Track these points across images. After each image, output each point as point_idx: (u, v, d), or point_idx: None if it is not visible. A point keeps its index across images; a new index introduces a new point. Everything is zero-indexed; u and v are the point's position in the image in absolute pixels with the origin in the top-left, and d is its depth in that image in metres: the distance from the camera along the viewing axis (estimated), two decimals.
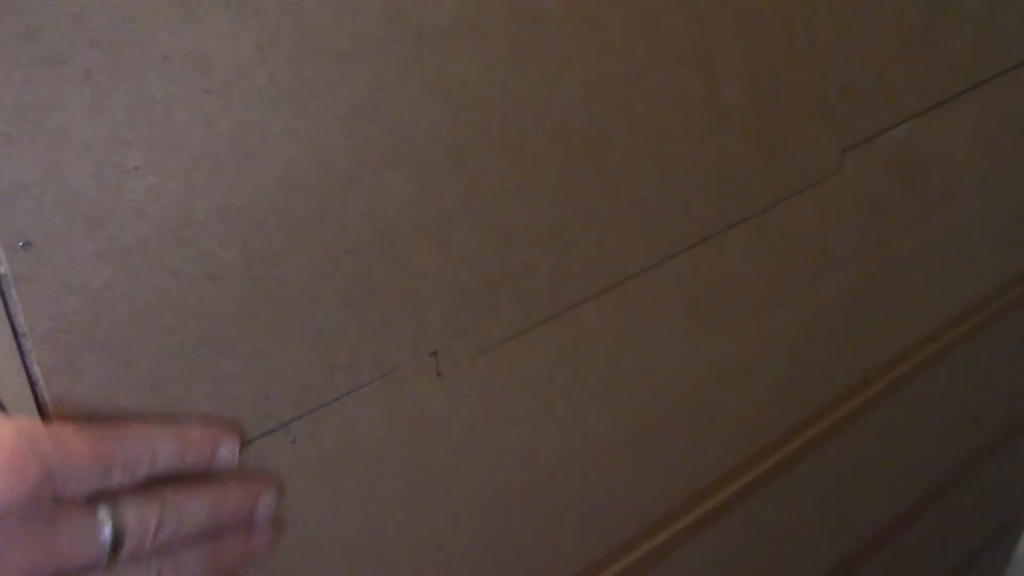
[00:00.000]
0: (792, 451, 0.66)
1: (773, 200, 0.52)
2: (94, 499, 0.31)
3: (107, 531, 0.31)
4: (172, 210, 0.32)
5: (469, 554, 0.49)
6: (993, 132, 0.64)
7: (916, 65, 0.56)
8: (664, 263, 0.49)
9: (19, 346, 0.31)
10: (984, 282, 0.75)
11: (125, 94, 0.29)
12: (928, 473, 0.86)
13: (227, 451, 0.35)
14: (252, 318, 0.35)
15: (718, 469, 0.61)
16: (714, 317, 0.54)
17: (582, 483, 0.52)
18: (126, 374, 0.33)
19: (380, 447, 0.43)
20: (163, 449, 0.33)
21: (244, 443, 0.38)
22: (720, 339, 0.55)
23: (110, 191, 0.30)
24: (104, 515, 0.31)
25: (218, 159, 0.32)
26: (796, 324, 0.59)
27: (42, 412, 0.32)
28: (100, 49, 0.28)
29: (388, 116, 0.35)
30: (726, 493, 0.62)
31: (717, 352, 0.55)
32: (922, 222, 0.64)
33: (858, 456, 0.74)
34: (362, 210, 0.36)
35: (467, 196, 0.39)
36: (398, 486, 0.44)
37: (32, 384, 0.32)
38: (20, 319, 0.30)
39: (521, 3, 0.37)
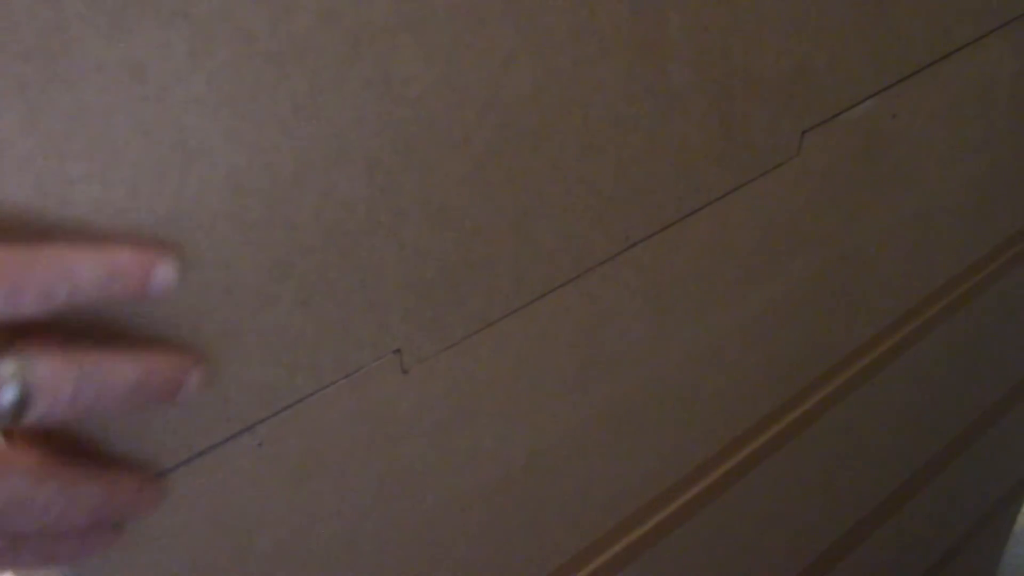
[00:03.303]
0: (773, 437, 0.66)
1: (733, 185, 0.53)
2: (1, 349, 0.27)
3: (12, 391, 0.26)
4: (117, 219, 0.32)
5: (445, 552, 0.50)
6: (955, 108, 0.65)
7: (872, 43, 0.56)
8: (626, 252, 0.49)
9: None
10: (959, 258, 0.76)
11: (61, 106, 0.29)
12: (916, 453, 0.86)
13: (164, 273, 0.30)
14: (206, 323, 0.36)
15: (696, 458, 0.61)
16: (681, 304, 0.54)
17: (558, 476, 0.53)
18: None
19: (349, 448, 0.43)
20: (85, 271, 0.27)
21: (211, 448, 0.38)
22: (689, 326, 0.55)
23: (53, 203, 0.30)
24: (10, 368, 0.26)
25: (160, 166, 0.32)
26: (766, 309, 0.60)
27: None
28: (32, 62, 0.28)
29: (330, 115, 0.35)
30: (707, 482, 0.62)
31: (687, 339, 0.56)
32: (890, 201, 0.64)
33: (842, 439, 0.74)
34: (311, 210, 0.37)
35: (418, 192, 0.39)
36: (370, 487, 0.45)
37: None
38: None
39: None
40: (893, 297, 0.71)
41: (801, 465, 0.71)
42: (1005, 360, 0.92)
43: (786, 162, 0.55)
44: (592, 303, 0.49)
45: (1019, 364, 0.95)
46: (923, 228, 0.69)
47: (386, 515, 0.46)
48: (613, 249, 0.49)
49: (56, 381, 0.27)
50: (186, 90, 0.32)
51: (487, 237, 0.43)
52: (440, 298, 0.43)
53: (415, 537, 0.48)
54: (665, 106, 0.47)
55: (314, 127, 0.35)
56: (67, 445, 0.32)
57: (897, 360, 0.75)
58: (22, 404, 0.26)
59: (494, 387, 0.47)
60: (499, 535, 0.52)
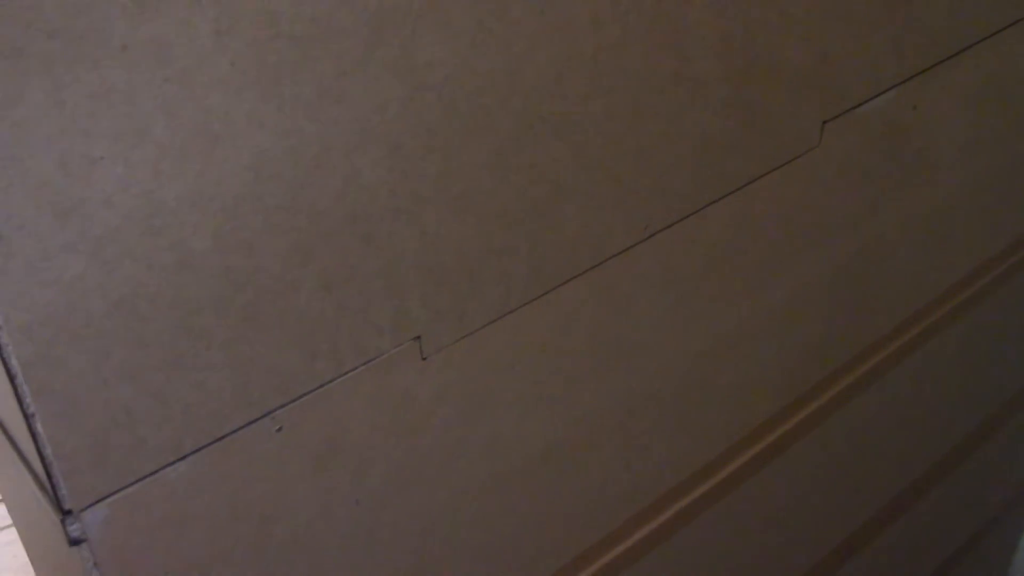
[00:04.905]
0: (789, 429, 0.65)
1: (754, 175, 0.52)
2: None
3: None
4: (141, 200, 0.32)
5: (463, 540, 0.49)
6: (976, 100, 0.64)
7: (894, 34, 0.56)
8: (646, 241, 0.49)
9: None
10: (976, 253, 0.75)
11: (86, 85, 0.29)
12: (928, 450, 0.86)
13: None
14: (228, 306, 0.36)
15: (713, 449, 0.61)
16: (699, 294, 0.54)
17: (575, 466, 0.53)
18: (105, 365, 0.33)
19: (368, 435, 0.43)
20: None
21: (230, 433, 0.38)
22: (707, 316, 0.55)
23: (77, 182, 0.30)
24: None
25: (183, 147, 0.32)
26: (784, 300, 0.59)
27: (21, 404, 0.32)
28: (58, 40, 0.28)
29: (354, 99, 0.35)
30: (723, 473, 0.62)
31: (704, 329, 0.55)
32: (908, 193, 0.64)
33: (859, 432, 0.74)
34: (334, 194, 0.36)
35: (440, 178, 0.39)
36: (388, 474, 0.44)
37: (11, 377, 0.32)
38: None
39: None
40: (911, 290, 0.71)
41: (813, 461, 0.71)
42: (1019, 357, 0.92)
43: (807, 152, 0.54)
44: (611, 292, 0.49)
45: None
46: (942, 220, 0.69)
47: (403, 503, 0.46)
48: (633, 238, 0.49)
49: None
50: (210, 72, 0.31)
51: (507, 224, 0.43)
52: (460, 285, 0.43)
53: (432, 525, 0.47)
54: (686, 94, 0.46)
55: (337, 111, 0.35)
56: None
57: (913, 355, 0.74)
58: None
59: (512, 375, 0.47)
60: (515, 525, 0.52)
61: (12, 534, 1.24)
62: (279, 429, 0.39)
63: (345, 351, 0.40)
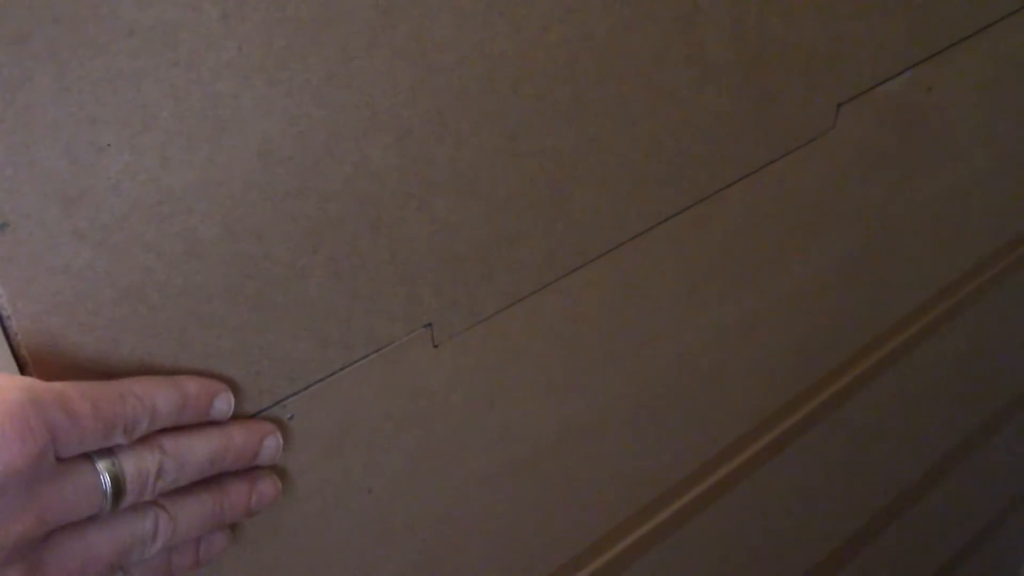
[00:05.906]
0: (802, 417, 0.65)
1: (767, 159, 0.52)
2: (92, 454, 0.32)
3: (107, 483, 0.31)
4: (149, 187, 0.32)
5: (475, 528, 0.49)
6: (992, 82, 0.64)
7: (909, 15, 0.55)
8: (659, 226, 0.49)
9: (4, 329, 0.31)
10: (991, 238, 0.74)
11: (92, 70, 0.29)
12: (941, 440, 0.85)
13: (223, 403, 0.35)
14: (238, 294, 0.35)
15: (727, 436, 0.61)
16: (713, 280, 0.53)
17: (588, 453, 0.52)
18: (114, 354, 0.33)
19: (380, 423, 0.43)
20: (162, 405, 0.33)
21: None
22: (720, 303, 0.55)
23: (84, 169, 0.30)
24: (103, 468, 0.31)
25: (191, 133, 0.32)
26: (797, 286, 0.59)
27: None
28: (63, 24, 0.28)
29: (362, 83, 0.35)
30: (735, 462, 0.62)
31: (718, 316, 0.55)
32: (924, 176, 0.63)
33: (872, 420, 0.73)
34: (343, 180, 0.36)
35: (450, 163, 0.39)
36: (400, 463, 0.44)
37: (20, 367, 0.32)
38: (3, 301, 0.30)
39: None
40: (925, 276, 0.70)
41: (825, 451, 0.70)
42: None
43: (821, 135, 0.54)
44: (623, 279, 0.49)
45: None
46: (957, 205, 0.68)
47: (415, 491, 0.45)
48: (645, 224, 0.48)
49: (140, 467, 0.32)
50: (217, 56, 0.31)
51: (519, 210, 0.42)
52: (471, 272, 0.42)
53: (444, 514, 0.47)
54: (700, 77, 0.46)
55: (346, 95, 0.35)
56: None
57: (925, 343, 0.74)
58: (117, 491, 0.32)
59: (524, 363, 0.47)
60: (526, 514, 0.51)
61: None
62: (290, 418, 0.39)
63: (356, 339, 0.40)
